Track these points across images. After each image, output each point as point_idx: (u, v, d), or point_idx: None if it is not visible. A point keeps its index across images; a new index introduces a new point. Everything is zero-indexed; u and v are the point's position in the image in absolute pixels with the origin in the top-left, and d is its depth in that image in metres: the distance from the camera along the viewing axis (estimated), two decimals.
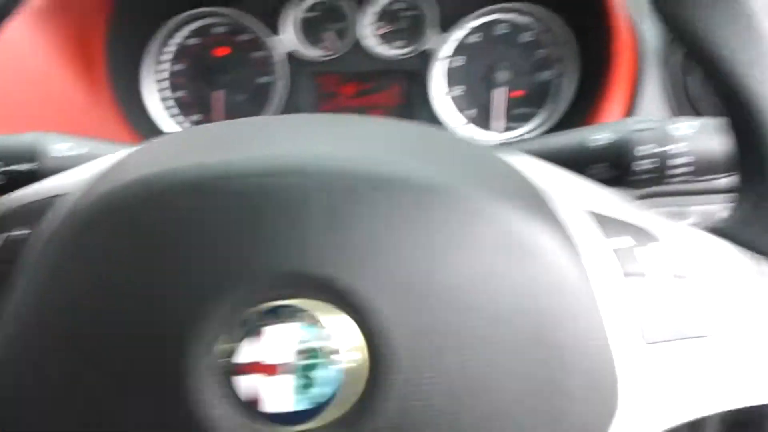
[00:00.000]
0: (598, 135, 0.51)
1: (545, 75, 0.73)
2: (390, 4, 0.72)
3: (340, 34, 0.72)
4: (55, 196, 0.32)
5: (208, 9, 0.72)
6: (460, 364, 0.28)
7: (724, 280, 0.35)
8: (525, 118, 0.74)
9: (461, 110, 0.74)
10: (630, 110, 0.68)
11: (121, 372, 0.27)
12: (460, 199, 0.29)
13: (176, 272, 0.27)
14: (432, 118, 0.73)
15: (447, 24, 0.71)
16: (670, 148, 0.50)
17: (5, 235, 0.31)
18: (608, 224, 0.34)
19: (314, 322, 0.27)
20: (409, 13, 0.72)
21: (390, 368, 0.27)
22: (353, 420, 0.27)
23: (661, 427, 0.33)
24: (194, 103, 0.74)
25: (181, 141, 0.32)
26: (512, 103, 0.74)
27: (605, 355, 0.31)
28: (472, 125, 0.73)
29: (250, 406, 0.26)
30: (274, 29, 0.72)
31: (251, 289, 0.27)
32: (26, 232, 0.31)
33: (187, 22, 0.73)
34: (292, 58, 0.72)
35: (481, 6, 0.71)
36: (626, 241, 0.34)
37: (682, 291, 0.34)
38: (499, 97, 0.73)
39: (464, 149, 0.35)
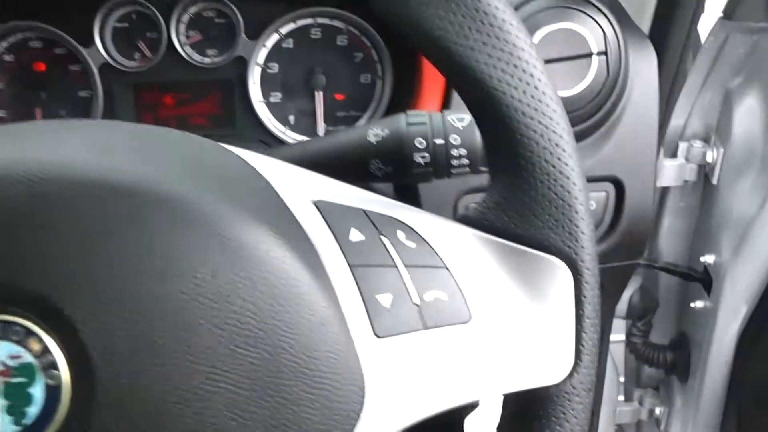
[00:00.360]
0: (376, 130, 0.51)
1: (364, 78, 0.72)
2: (199, 12, 0.70)
3: (154, 43, 0.71)
4: None
5: (19, 23, 0.71)
6: (173, 377, 0.28)
7: (476, 267, 0.35)
8: (348, 122, 0.73)
9: (282, 116, 0.73)
10: (445, 108, 0.68)
11: None
12: (165, 199, 0.29)
13: None
14: (255, 125, 0.73)
15: (258, 31, 0.70)
16: (443, 141, 0.50)
17: None
18: (352, 216, 0.34)
19: (27, 337, 0.27)
20: (219, 21, 0.70)
21: (91, 383, 0.27)
22: None
23: (414, 418, 0.33)
24: (17, 121, 0.73)
25: None
26: (334, 107, 0.73)
27: (345, 354, 0.30)
28: (290, 131, 0.73)
29: None
30: (88, 41, 0.70)
31: None
32: None
33: (1, 38, 0.72)
34: (109, 69, 0.71)
35: (290, 11, 0.69)
36: (367, 231, 0.34)
37: (431, 279, 0.34)
38: (319, 102, 0.72)
39: (187, 148, 0.34)
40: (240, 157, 0.35)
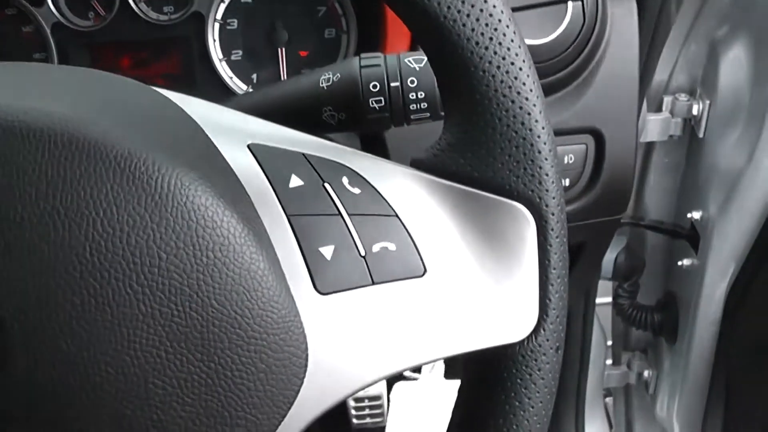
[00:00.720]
0: (327, 75, 0.48)
1: (328, 32, 0.69)
2: None
3: (107, 1, 0.67)
4: None
5: None
6: (90, 341, 0.26)
7: (429, 215, 0.33)
8: None
9: (245, 74, 0.70)
10: None
11: None
12: (73, 138, 0.26)
13: None
14: (216, 85, 0.70)
15: None
16: (398, 84, 0.47)
17: None
18: (291, 160, 0.31)
19: None
20: None
21: (3, 343, 0.26)
22: None
23: (363, 383, 0.31)
24: None
25: None
26: (298, 63, 0.70)
27: (284, 313, 0.28)
28: (252, 90, 0.70)
29: None
30: (39, 0, 0.67)
31: None
32: None
33: None
34: (63, 29, 0.68)
35: None
36: (308, 176, 0.31)
37: (379, 229, 0.31)
38: (282, 58, 0.69)
39: (107, 88, 0.31)
40: (166, 96, 0.32)
